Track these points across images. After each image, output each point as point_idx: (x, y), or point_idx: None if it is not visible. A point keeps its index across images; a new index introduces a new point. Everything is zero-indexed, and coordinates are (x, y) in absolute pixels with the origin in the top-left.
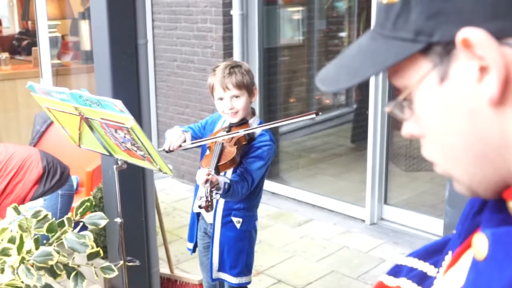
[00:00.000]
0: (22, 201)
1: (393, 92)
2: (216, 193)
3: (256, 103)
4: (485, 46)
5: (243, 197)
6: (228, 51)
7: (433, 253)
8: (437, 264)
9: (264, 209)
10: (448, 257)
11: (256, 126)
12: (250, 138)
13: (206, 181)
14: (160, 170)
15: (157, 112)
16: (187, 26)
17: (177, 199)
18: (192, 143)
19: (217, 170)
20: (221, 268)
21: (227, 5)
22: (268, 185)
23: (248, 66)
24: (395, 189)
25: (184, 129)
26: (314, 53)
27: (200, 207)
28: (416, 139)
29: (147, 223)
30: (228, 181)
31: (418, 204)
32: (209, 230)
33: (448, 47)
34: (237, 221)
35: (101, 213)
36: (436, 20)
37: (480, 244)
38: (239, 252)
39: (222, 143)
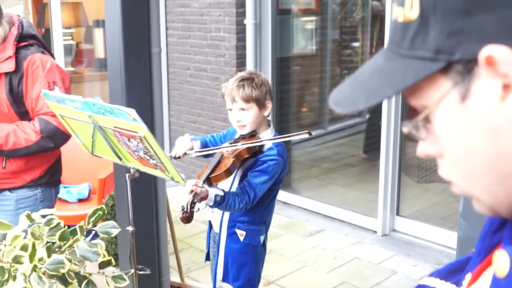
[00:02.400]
0: None
1: (406, 103)
2: (206, 206)
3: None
4: (509, 64)
5: (243, 210)
6: (241, 60)
7: (455, 272)
8: (458, 283)
9: (275, 219)
10: (468, 276)
11: (255, 141)
12: (257, 151)
13: (191, 191)
14: (172, 179)
15: (169, 120)
16: (201, 35)
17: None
18: (198, 152)
19: (209, 181)
20: (225, 279)
21: (241, 14)
22: (279, 194)
23: (265, 79)
24: (407, 200)
25: (195, 137)
26: (327, 63)
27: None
28: None
29: (159, 232)
30: (222, 193)
31: (430, 215)
32: (217, 239)
33: (469, 65)
34: (240, 233)
35: (113, 222)
36: (457, 38)
37: (501, 261)
38: (241, 265)
39: (222, 154)
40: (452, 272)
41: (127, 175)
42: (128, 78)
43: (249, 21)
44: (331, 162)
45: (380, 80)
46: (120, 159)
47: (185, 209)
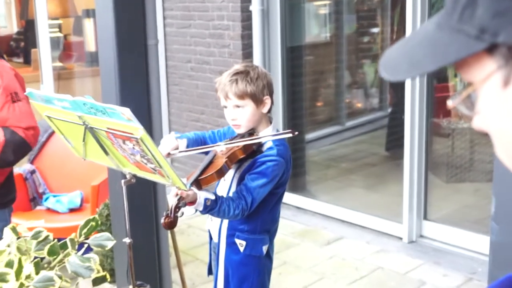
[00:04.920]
0: None
1: (432, 94)
2: (196, 211)
3: (278, 108)
4: None
5: (239, 217)
6: (247, 51)
7: None
8: None
9: (289, 226)
10: None
11: (239, 141)
12: (255, 151)
13: (176, 194)
14: (173, 184)
15: (169, 119)
16: (202, 24)
17: (192, 215)
18: (183, 152)
19: (198, 184)
20: None
21: (246, 0)
22: (293, 199)
23: (262, 72)
24: (436, 202)
25: (182, 135)
26: (343, 52)
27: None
28: (459, 147)
29: (159, 243)
30: (213, 197)
31: (461, 219)
32: (216, 250)
33: None
34: (239, 243)
35: (107, 234)
36: (502, 19)
37: None
38: (243, 278)
39: (215, 154)
40: None
41: (122, 181)
42: (122, 73)
43: (255, 7)
44: (350, 161)
45: (425, 51)
46: (115, 163)
47: (168, 214)
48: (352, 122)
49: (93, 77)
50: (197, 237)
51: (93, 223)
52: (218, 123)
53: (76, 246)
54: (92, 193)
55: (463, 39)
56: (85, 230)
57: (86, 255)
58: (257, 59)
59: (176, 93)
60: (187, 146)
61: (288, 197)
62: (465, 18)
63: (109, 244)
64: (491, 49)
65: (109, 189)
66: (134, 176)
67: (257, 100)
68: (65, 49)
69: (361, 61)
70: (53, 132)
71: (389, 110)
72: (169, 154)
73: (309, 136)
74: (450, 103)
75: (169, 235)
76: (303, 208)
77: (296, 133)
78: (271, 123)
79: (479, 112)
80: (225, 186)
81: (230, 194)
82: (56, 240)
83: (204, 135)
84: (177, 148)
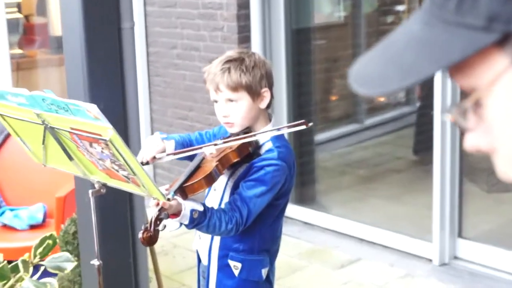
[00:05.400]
0: None
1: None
2: (180, 225)
3: (281, 103)
4: None
5: (233, 233)
6: (244, 34)
7: None
8: None
9: (294, 245)
10: None
11: (235, 138)
12: (251, 154)
13: (157, 204)
14: (149, 195)
15: (151, 117)
16: (190, 2)
17: (179, 232)
18: (171, 155)
19: (183, 192)
20: None
21: None
22: (299, 212)
23: (260, 59)
24: (473, 216)
25: (168, 136)
26: (361, 35)
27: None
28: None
29: (137, 266)
30: (201, 208)
31: (504, 237)
32: (206, 274)
33: None
34: (234, 265)
35: (66, 254)
36: None
37: None
38: None
39: (204, 157)
40: None
41: (90, 191)
42: (91, 63)
43: None
44: (370, 167)
45: (417, 54)
46: (81, 170)
47: (148, 227)
48: (372, 120)
49: (60, 66)
50: (184, 258)
51: (50, 241)
52: (210, 121)
53: (30, 269)
54: (57, 206)
55: (466, 33)
56: (40, 250)
57: (43, 280)
58: (256, 45)
59: (159, 85)
60: (175, 149)
61: (293, 210)
62: (465, 9)
63: (69, 266)
64: (501, 42)
65: (76, 201)
66: (104, 185)
67: (254, 93)
68: (25, 33)
69: (364, 54)
70: (9, 134)
71: (418, 104)
72: (154, 158)
73: (320, 136)
74: (448, 117)
75: (149, 255)
76: (311, 223)
77: (310, 124)
78: (270, 120)
79: (485, 122)
80: (216, 196)
81: (223, 206)
82: (5, 262)
83: (190, 137)
84: (164, 151)
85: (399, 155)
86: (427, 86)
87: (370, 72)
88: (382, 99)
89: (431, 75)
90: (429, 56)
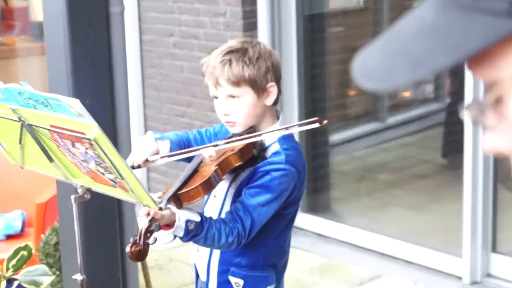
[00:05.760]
0: None
1: None
2: (174, 238)
3: (292, 99)
4: None
5: (234, 247)
6: (249, 21)
7: None
8: None
9: (306, 260)
10: None
11: (239, 138)
12: (255, 157)
13: (147, 214)
14: (139, 202)
15: (144, 114)
16: None
17: (175, 244)
18: (166, 157)
19: (177, 200)
20: None
21: None
22: (311, 223)
23: (265, 50)
24: (509, 228)
25: (162, 136)
26: (383, 21)
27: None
28: None
29: (126, 282)
30: (197, 218)
31: None
32: None
33: None
34: (235, 282)
35: (43, 267)
36: None
37: None
38: None
39: (202, 160)
40: None
41: (72, 197)
42: (76, 52)
43: None
44: (392, 171)
45: (430, 43)
46: (63, 173)
47: (137, 240)
48: (395, 118)
49: (42, 56)
50: (180, 274)
51: (25, 253)
52: (210, 119)
53: (3, 284)
54: (37, 213)
55: (487, 19)
56: (13, 262)
57: None
58: (263, 33)
59: (153, 78)
60: (170, 150)
61: (305, 220)
62: None
63: (46, 280)
64: None
65: (58, 208)
66: (89, 190)
67: (258, 88)
68: (4, 17)
69: (368, 44)
70: None
71: (447, 101)
72: (147, 160)
73: (336, 137)
74: (466, 114)
75: (140, 270)
76: (325, 235)
77: (325, 121)
78: (278, 119)
79: (507, 121)
80: (216, 204)
81: (223, 216)
82: None
83: (187, 136)
84: (157, 153)
85: (426, 158)
86: (458, 80)
87: (376, 65)
88: (407, 94)
89: (446, 67)
90: (444, 46)
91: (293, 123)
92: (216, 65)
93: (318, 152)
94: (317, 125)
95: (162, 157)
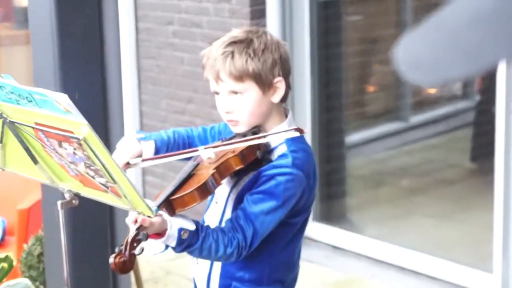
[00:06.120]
0: None
1: None
2: (166, 248)
3: (303, 95)
4: None
5: (233, 259)
6: (257, 8)
7: None
8: None
9: (319, 274)
10: None
11: (236, 141)
12: (259, 159)
13: (135, 221)
14: (133, 208)
15: (140, 111)
16: None
17: (172, 256)
18: (149, 160)
19: (170, 207)
20: None
21: None
22: (325, 233)
23: (272, 40)
24: None
25: (148, 136)
26: (406, 9)
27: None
28: None
29: None
30: (192, 227)
31: None
32: None
33: None
34: None
35: (25, 281)
36: None
37: None
38: None
39: (198, 162)
40: None
41: (59, 203)
42: (63, 41)
43: None
44: (415, 176)
45: (489, 33)
46: (48, 176)
47: (122, 250)
48: (420, 117)
49: (27, 45)
50: (177, 287)
51: (5, 265)
52: (214, 117)
53: None
54: (19, 221)
55: None
56: None
57: None
58: (272, 21)
59: (151, 71)
60: (157, 152)
61: (317, 230)
62: None
63: None
64: None
65: (43, 215)
66: (77, 195)
67: (264, 84)
68: None
69: (410, 32)
70: None
71: (478, 98)
72: (128, 164)
73: (352, 137)
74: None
75: (134, 284)
76: (340, 247)
77: (305, 131)
78: (286, 117)
79: None
80: (217, 211)
81: (223, 224)
82: None
83: (189, 134)
84: (140, 155)
85: (453, 162)
86: (489, 75)
87: (424, 55)
88: (432, 91)
89: (506, 61)
90: (504, 36)
91: (305, 122)
92: (217, 58)
93: (333, 154)
94: (296, 134)
95: (143, 160)
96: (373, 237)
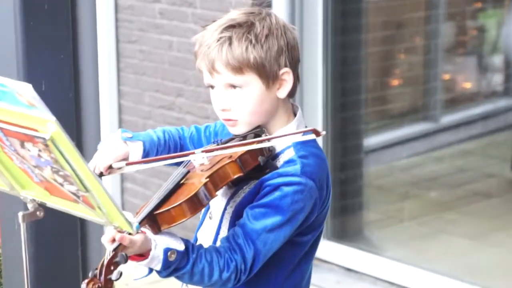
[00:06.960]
0: None
1: None
2: (149, 273)
3: (315, 90)
4: None
5: (230, 285)
6: None
7: None
8: None
9: None
10: None
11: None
12: (261, 166)
13: (113, 240)
14: (109, 223)
15: (119, 105)
16: None
17: (155, 278)
18: (137, 164)
19: (154, 223)
20: None
21: None
22: (338, 254)
23: (278, 23)
24: None
25: (135, 135)
26: None
27: None
28: None
29: None
30: (180, 247)
31: None
32: None
33: None
34: None
35: None
36: None
37: None
38: None
39: (189, 170)
40: None
41: (20, 214)
42: (28, 22)
43: None
44: (445, 188)
45: None
46: (7, 183)
47: (96, 275)
48: (452, 117)
49: None
50: None
51: None
52: (208, 113)
53: None
54: None
55: None
56: None
57: None
58: (279, 2)
59: (132, 57)
60: (146, 155)
61: (330, 250)
62: None
63: None
64: None
65: (1, 230)
66: (42, 206)
67: (268, 76)
68: None
69: (471, 5)
70: None
71: None
72: (111, 167)
73: (372, 140)
74: None
75: None
76: (356, 270)
77: (323, 132)
78: (295, 115)
79: None
80: (211, 228)
81: (218, 243)
82: None
83: (182, 134)
84: (126, 158)
85: (490, 171)
86: None
87: None
88: (468, 85)
89: None
90: None
91: (316, 120)
92: (212, 44)
93: (349, 161)
94: (312, 136)
95: (127, 164)
96: (394, 259)
